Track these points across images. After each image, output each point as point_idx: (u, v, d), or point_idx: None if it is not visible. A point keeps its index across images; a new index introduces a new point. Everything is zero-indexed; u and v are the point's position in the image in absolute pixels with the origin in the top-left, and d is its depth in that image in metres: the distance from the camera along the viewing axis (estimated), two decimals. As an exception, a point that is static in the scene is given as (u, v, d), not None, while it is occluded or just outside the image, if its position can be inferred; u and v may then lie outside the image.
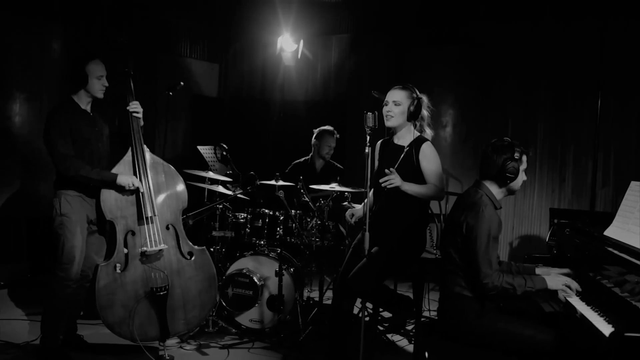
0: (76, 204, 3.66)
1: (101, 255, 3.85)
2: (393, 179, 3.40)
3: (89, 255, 3.76)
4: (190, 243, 3.95)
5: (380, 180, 3.46)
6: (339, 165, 5.49)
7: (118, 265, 3.69)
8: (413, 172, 3.58)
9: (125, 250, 3.72)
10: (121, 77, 3.82)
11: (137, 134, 3.80)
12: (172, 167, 3.99)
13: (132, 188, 3.69)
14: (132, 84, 3.87)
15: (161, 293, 3.72)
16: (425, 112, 3.72)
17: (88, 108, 3.76)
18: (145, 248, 3.71)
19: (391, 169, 3.45)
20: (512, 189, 3.03)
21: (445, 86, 6.20)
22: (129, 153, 3.80)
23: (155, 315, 3.74)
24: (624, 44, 5.53)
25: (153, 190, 3.81)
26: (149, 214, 3.75)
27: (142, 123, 3.87)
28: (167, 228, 3.86)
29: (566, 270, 3.22)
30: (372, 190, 3.83)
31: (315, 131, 5.40)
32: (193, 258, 3.92)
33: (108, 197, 3.69)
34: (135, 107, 3.82)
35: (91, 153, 3.72)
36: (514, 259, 6.16)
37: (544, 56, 6.02)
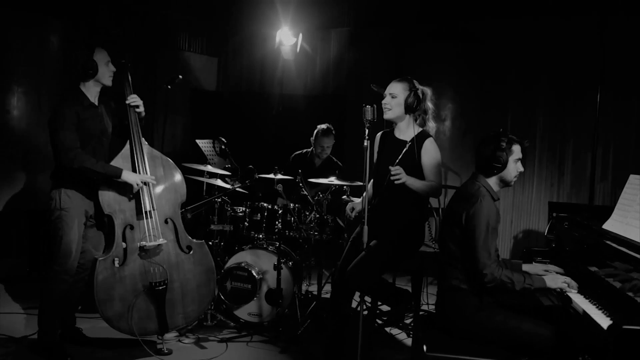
0: (76, 199, 3.63)
1: (99, 249, 3.83)
2: (400, 176, 3.41)
3: (87, 249, 3.76)
4: (189, 237, 3.94)
5: (391, 173, 3.46)
6: (338, 162, 5.47)
7: (116, 259, 3.67)
8: (414, 167, 3.57)
9: (124, 245, 3.70)
10: (119, 70, 3.79)
11: (136, 127, 3.79)
12: (170, 160, 3.97)
13: (138, 188, 3.66)
14: (129, 77, 3.85)
15: (160, 288, 3.72)
16: (429, 105, 3.70)
17: (96, 101, 3.72)
18: (144, 242, 3.71)
19: (397, 166, 3.45)
20: (505, 179, 3.02)
21: (445, 81, 6.17)
22: (127, 146, 3.78)
23: (154, 310, 3.74)
24: (624, 39, 5.52)
25: (151, 184, 3.79)
26: (148, 208, 3.74)
27: (143, 114, 3.85)
28: (166, 222, 3.85)
29: (557, 268, 3.22)
30: (371, 182, 3.82)
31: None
32: (192, 252, 3.91)
33: (106, 190, 3.66)
34: (134, 99, 3.79)
35: (94, 149, 3.67)
36: (513, 252, 6.17)
37: (544, 51, 6.01)
